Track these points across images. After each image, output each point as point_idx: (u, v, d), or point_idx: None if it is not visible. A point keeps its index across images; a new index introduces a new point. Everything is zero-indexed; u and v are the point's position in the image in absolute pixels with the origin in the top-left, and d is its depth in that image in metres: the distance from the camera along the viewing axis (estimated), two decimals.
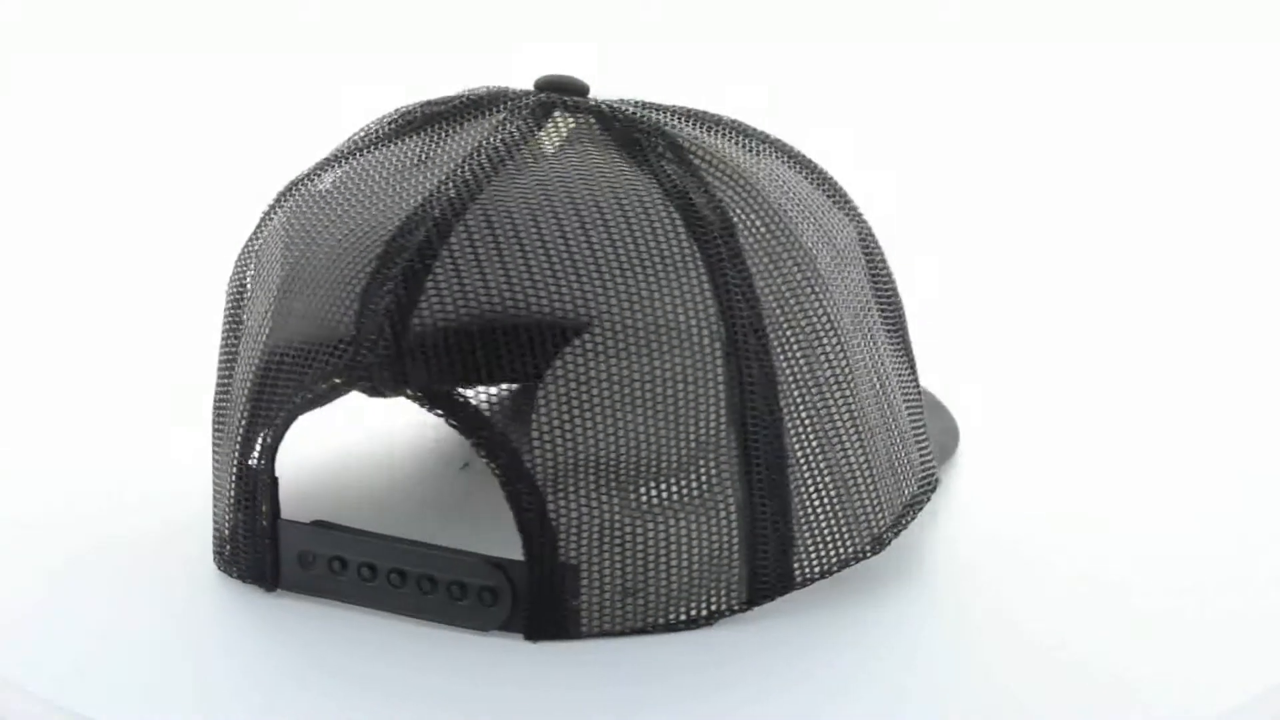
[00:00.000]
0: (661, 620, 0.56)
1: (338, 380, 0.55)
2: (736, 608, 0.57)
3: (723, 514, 0.56)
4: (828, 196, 0.62)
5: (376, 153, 0.60)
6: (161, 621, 0.58)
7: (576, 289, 0.55)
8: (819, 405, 0.58)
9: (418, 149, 0.59)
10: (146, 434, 0.76)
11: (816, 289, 0.58)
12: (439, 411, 0.54)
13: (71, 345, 0.91)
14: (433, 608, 0.57)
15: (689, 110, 0.61)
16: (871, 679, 0.56)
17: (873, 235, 0.63)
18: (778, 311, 0.57)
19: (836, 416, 0.58)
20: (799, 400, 0.57)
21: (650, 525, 0.56)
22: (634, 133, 0.58)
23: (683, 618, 0.57)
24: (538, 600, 0.55)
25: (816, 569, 0.58)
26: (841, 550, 0.59)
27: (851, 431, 0.58)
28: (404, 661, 0.56)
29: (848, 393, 0.58)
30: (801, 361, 0.57)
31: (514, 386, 0.55)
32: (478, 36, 1.17)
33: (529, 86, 0.61)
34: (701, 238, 0.56)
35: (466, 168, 0.57)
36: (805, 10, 1.23)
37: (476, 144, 0.58)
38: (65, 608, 0.59)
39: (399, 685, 0.54)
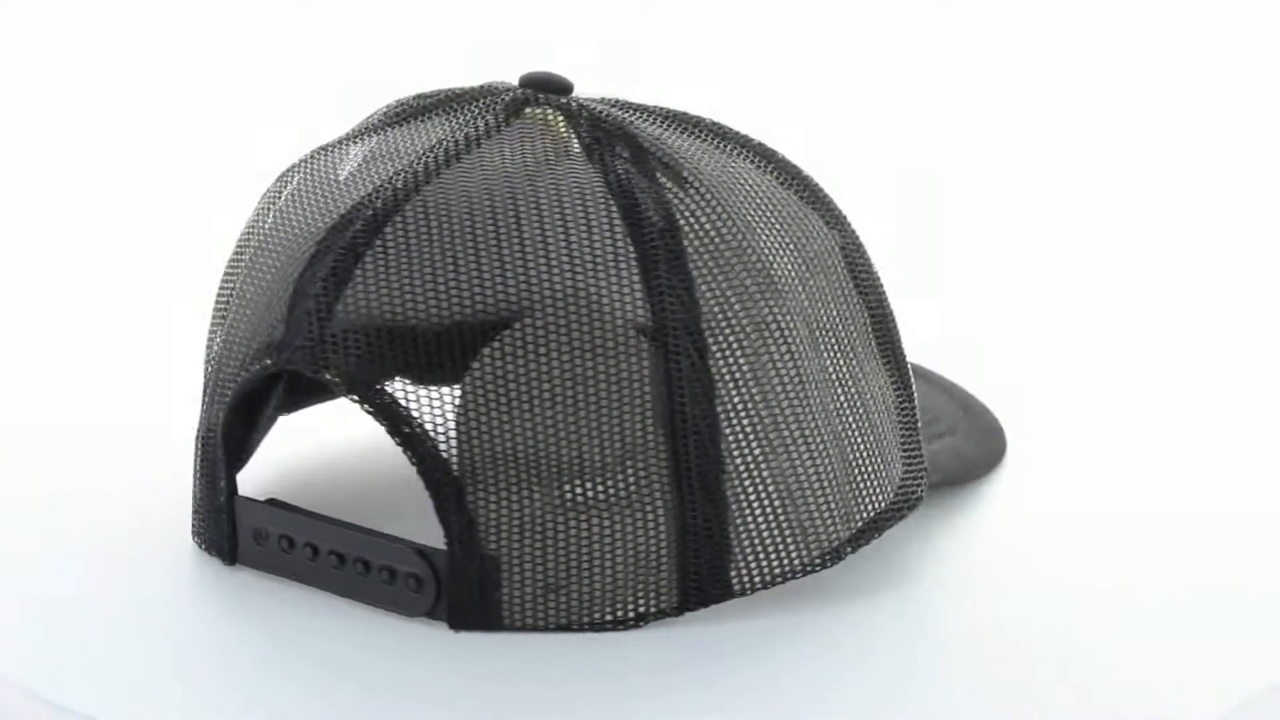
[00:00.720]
0: (586, 619, 0.56)
1: (268, 361, 0.56)
2: (668, 612, 0.56)
3: (650, 516, 0.56)
4: (807, 204, 0.60)
5: (361, 142, 0.61)
6: (141, 608, 0.59)
7: (500, 285, 0.55)
8: (763, 412, 0.56)
9: (393, 140, 0.60)
10: (129, 419, 0.77)
11: (767, 295, 0.57)
12: (354, 398, 0.55)
13: (60, 333, 0.92)
14: (367, 591, 0.58)
15: (668, 111, 0.61)
16: (864, 677, 0.55)
17: (858, 245, 0.62)
18: (719, 315, 0.56)
19: (782, 424, 0.57)
20: (739, 406, 0.56)
21: (574, 522, 0.55)
22: (596, 131, 0.58)
23: (608, 618, 0.56)
24: (459, 591, 0.56)
25: (757, 578, 0.57)
26: (786, 561, 0.57)
27: (799, 441, 0.57)
28: (351, 643, 0.57)
29: (796, 401, 0.57)
30: (744, 367, 0.56)
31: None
32: (508, 33, 1.18)
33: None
34: (639, 237, 0.56)
35: (420, 161, 0.57)
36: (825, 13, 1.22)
37: (440, 137, 0.59)
38: (46, 596, 0.60)
39: (343, 669, 0.55)
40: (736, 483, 0.56)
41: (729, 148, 0.60)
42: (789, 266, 0.58)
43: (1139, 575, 0.62)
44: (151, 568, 0.61)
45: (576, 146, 0.58)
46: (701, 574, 0.56)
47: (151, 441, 0.72)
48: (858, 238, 0.62)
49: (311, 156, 0.62)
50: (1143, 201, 1.12)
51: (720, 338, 0.56)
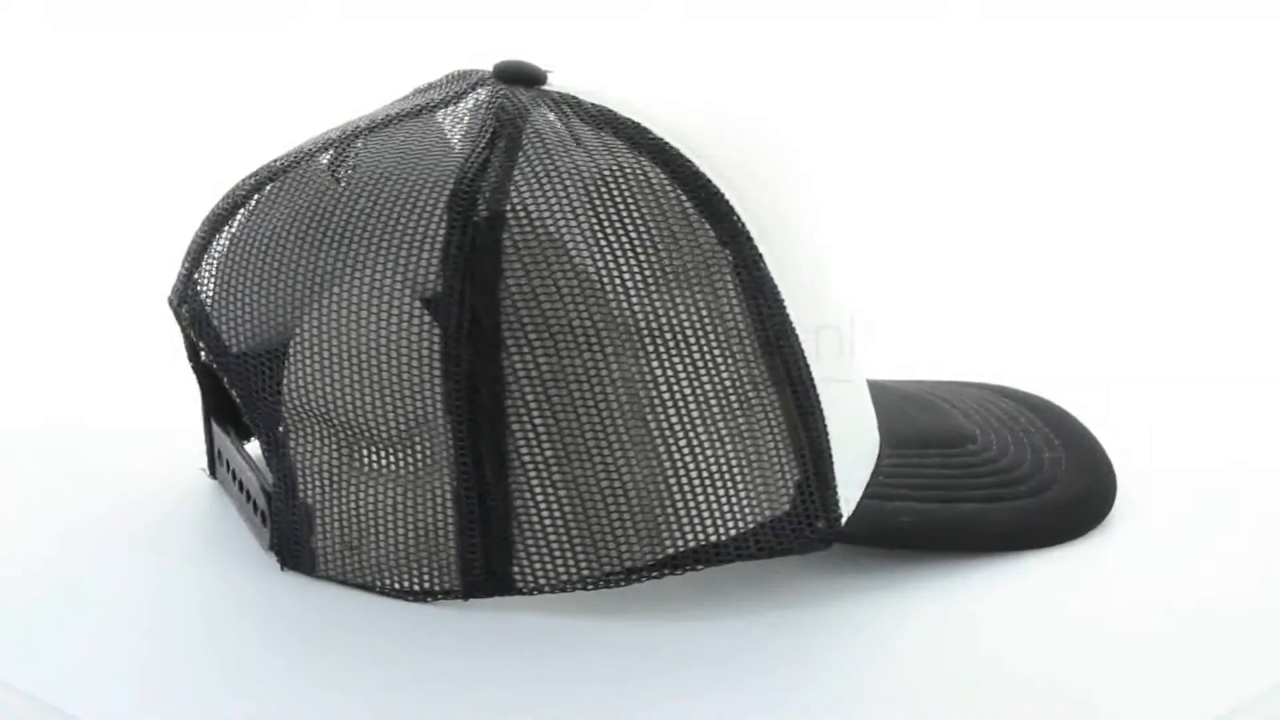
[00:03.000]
0: (378, 583, 0.58)
1: (170, 294, 0.63)
2: (453, 594, 0.57)
3: (431, 496, 0.57)
4: (703, 216, 0.57)
5: (364, 111, 0.65)
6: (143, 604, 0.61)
7: (323, 253, 0.57)
8: (559, 414, 0.55)
9: (374, 110, 0.64)
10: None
11: (582, 298, 0.55)
12: (192, 335, 0.60)
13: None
14: (249, 519, 0.63)
15: (599, 110, 0.59)
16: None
17: (757, 265, 0.57)
18: (523, 312, 0.55)
19: (580, 432, 0.55)
20: (532, 404, 0.55)
21: (368, 487, 0.57)
22: (493, 120, 0.59)
23: (396, 586, 0.58)
24: (282, 532, 0.60)
25: (542, 580, 0.56)
26: (574, 570, 0.56)
27: (596, 451, 0.56)
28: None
29: (598, 411, 0.55)
30: (543, 366, 0.55)
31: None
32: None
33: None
34: (456, 223, 0.56)
35: (343, 132, 0.61)
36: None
37: (382, 114, 0.62)
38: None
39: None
40: (523, 480, 0.56)
41: (635, 151, 0.58)
42: (631, 274, 0.56)
43: (1135, 575, 0.62)
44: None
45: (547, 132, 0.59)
46: (479, 564, 0.57)
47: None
48: (758, 256, 0.58)
49: None
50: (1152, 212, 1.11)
51: (519, 334, 0.55)
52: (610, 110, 0.60)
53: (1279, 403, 0.79)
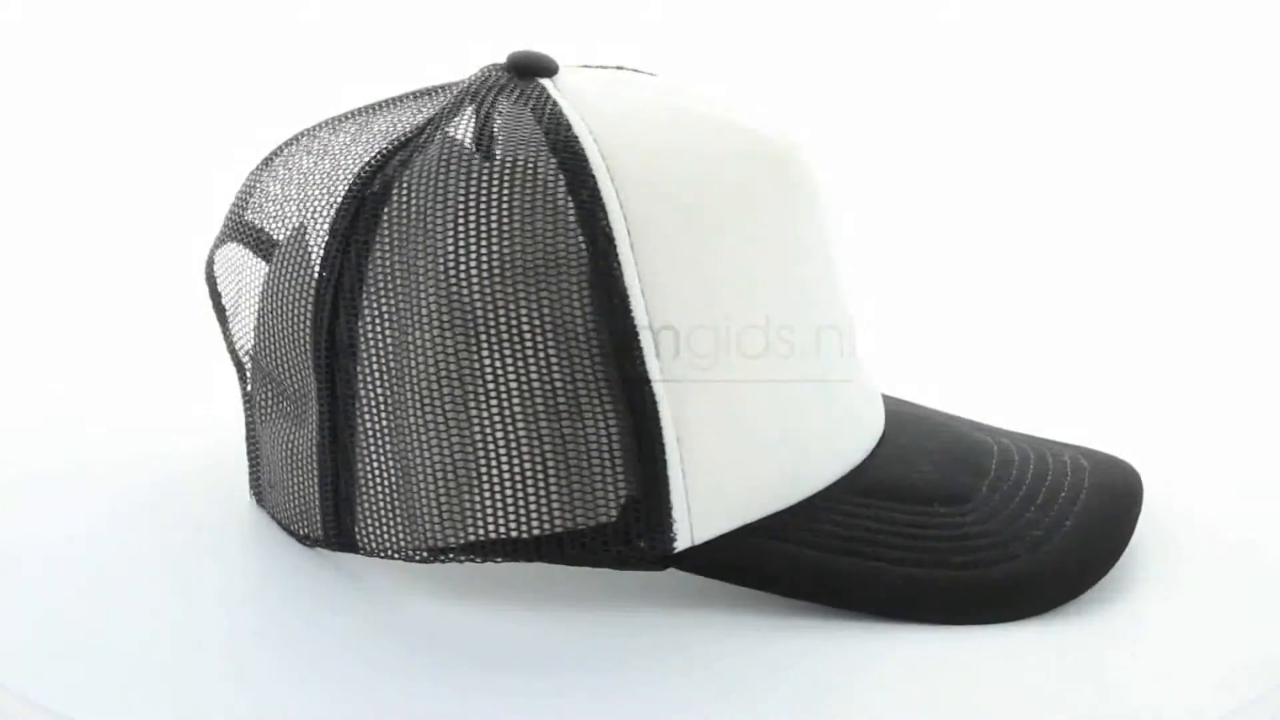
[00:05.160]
0: (282, 523, 0.63)
1: None
2: (323, 543, 0.61)
3: (306, 450, 0.60)
4: (577, 218, 0.56)
5: None
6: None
7: (282, 218, 0.62)
8: (394, 386, 0.57)
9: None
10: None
11: (431, 281, 0.56)
12: (207, 279, 0.67)
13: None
14: None
15: (549, 103, 0.59)
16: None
17: (612, 270, 0.55)
18: (382, 284, 0.57)
19: (411, 407, 0.57)
20: (377, 376, 0.58)
21: (279, 430, 0.62)
22: (442, 105, 0.61)
23: (291, 529, 0.62)
24: (250, 463, 0.66)
25: (375, 545, 0.59)
26: (394, 540, 0.58)
27: (421, 429, 0.57)
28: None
29: (427, 389, 0.56)
30: (388, 340, 0.57)
31: None
32: None
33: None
34: (350, 193, 0.59)
35: (345, 111, 0.65)
36: None
37: (383, 97, 0.65)
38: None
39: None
40: (364, 446, 0.58)
41: (541, 145, 0.58)
42: (479, 262, 0.56)
43: (1134, 574, 0.61)
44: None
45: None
46: (331, 519, 0.60)
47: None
48: (616, 258, 0.56)
49: None
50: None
51: (375, 305, 0.58)
52: (556, 104, 0.60)
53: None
